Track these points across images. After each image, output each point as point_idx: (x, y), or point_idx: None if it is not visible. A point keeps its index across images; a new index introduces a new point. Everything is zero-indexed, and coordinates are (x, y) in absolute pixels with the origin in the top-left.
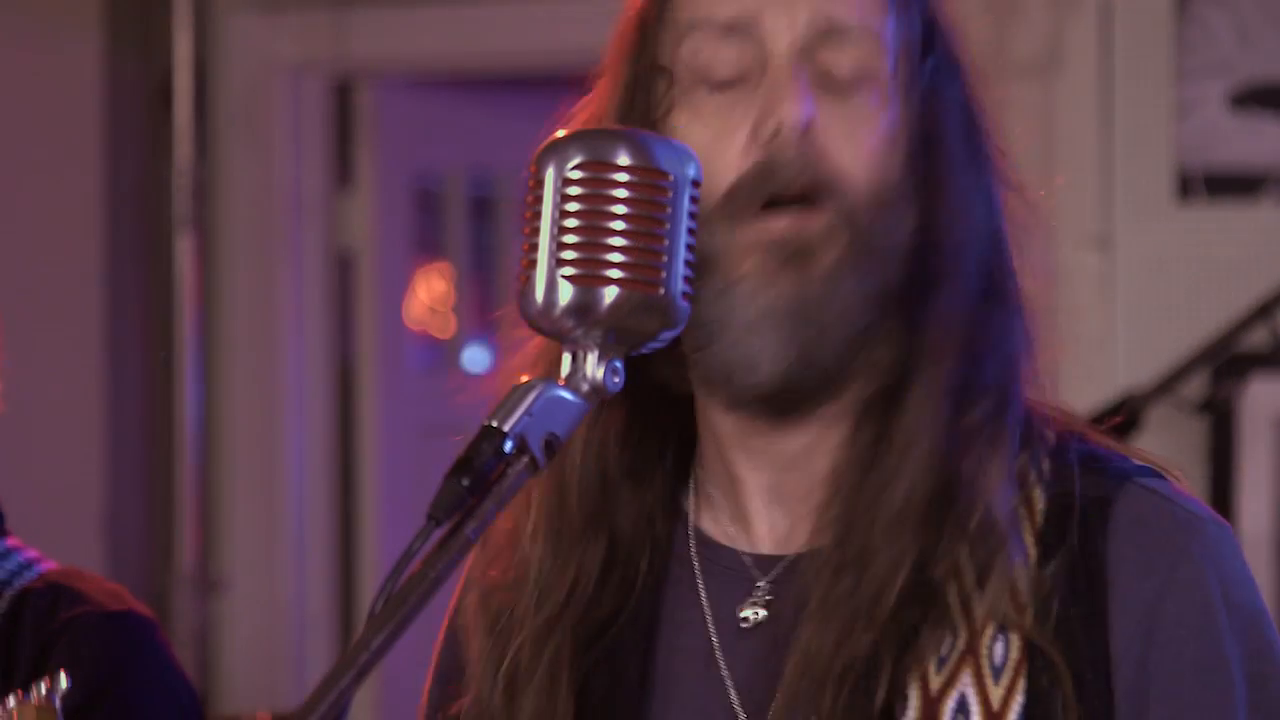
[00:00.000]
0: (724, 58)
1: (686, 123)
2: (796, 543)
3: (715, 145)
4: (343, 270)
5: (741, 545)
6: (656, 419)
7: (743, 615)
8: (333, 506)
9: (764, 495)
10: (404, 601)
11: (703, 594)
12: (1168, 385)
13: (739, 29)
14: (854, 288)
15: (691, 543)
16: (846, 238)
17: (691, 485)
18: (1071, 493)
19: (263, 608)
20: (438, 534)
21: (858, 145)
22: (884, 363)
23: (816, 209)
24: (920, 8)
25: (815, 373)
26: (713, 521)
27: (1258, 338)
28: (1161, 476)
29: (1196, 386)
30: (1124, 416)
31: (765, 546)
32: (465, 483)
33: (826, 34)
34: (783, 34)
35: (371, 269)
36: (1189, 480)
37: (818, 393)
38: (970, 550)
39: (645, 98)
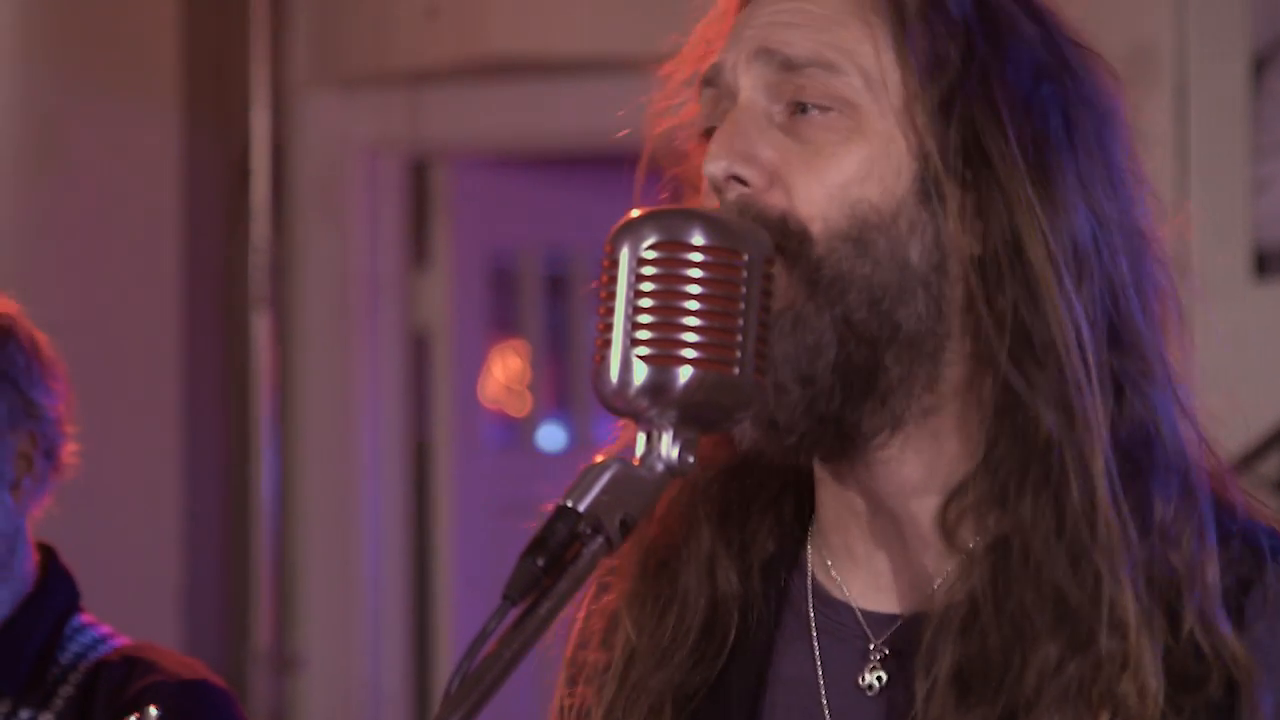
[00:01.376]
0: (706, 110)
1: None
2: (909, 600)
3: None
4: (418, 348)
5: (854, 600)
6: (763, 474)
7: (866, 683)
8: (408, 585)
9: (867, 543)
10: (479, 681)
11: (817, 651)
12: (1246, 463)
13: (712, 80)
14: (804, 340)
15: (810, 597)
16: (802, 293)
17: (809, 538)
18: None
19: (338, 686)
20: (513, 614)
21: (820, 180)
22: (948, 376)
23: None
24: (952, 32)
25: (791, 432)
26: (827, 574)
27: None
28: None
29: (1275, 465)
30: None
31: (876, 602)
32: (540, 563)
33: (780, 66)
34: (740, 76)
35: (447, 347)
36: None
37: (827, 441)
38: (1102, 636)
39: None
